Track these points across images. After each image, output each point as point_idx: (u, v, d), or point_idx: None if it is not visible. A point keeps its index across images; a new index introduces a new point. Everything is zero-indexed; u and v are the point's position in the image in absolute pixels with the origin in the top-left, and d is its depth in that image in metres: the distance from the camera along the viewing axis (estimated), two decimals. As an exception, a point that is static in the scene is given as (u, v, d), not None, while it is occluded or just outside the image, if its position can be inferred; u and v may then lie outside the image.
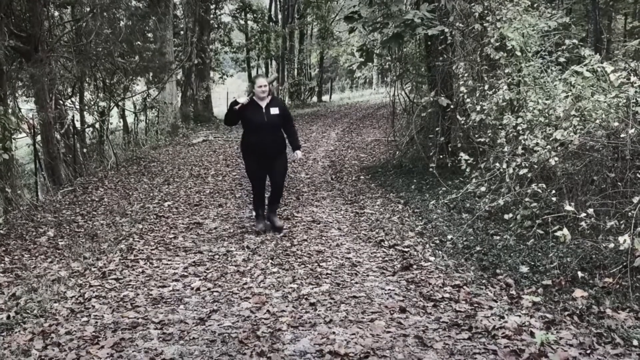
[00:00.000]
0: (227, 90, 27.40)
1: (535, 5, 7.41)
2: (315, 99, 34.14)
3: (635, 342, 3.80)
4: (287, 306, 4.64)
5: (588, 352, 3.71)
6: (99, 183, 10.73)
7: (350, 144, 16.08)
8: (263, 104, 6.91)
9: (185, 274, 5.58)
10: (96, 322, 4.38)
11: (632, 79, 4.99)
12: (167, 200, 9.24)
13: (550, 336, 3.87)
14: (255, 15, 29.21)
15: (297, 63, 33.03)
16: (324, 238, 6.86)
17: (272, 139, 6.93)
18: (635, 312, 4.27)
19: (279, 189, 7.28)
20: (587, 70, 5.63)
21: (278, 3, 32.43)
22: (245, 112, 6.89)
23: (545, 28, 6.74)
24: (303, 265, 5.76)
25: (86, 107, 12.62)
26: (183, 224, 7.67)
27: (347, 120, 22.16)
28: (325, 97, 36.08)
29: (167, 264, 5.91)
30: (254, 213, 7.63)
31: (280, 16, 32.44)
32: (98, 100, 13.44)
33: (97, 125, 13.31)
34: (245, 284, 5.23)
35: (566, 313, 4.32)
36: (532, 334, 3.93)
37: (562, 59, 6.47)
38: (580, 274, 4.80)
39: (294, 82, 32.21)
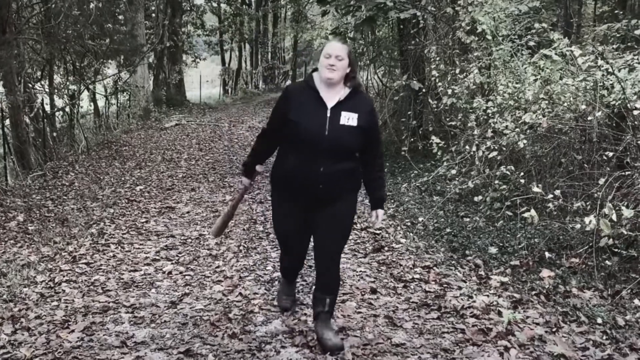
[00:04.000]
0: (200, 73, 27.15)
1: None
2: (289, 82, 33.99)
3: (599, 320, 3.90)
4: (259, 289, 4.66)
5: (554, 330, 3.80)
6: (69, 167, 10.59)
7: None
8: (330, 99, 3.49)
9: (157, 258, 5.55)
10: (66, 307, 4.34)
11: (599, 62, 5.06)
12: (139, 184, 9.16)
13: (517, 315, 3.95)
14: None
15: (270, 47, 32.87)
16: None
17: (334, 169, 3.48)
18: (600, 291, 4.37)
19: (333, 266, 3.73)
20: (555, 54, 5.70)
21: None
22: (290, 110, 3.48)
23: (516, 12, 6.79)
24: (276, 249, 5.73)
25: (56, 91, 12.40)
26: (155, 208, 7.61)
27: None
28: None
29: (138, 248, 5.87)
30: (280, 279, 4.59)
31: (253, -1, 32.18)
32: (68, 83, 13.20)
33: (67, 109, 13.10)
34: (218, 267, 5.23)
35: (533, 293, 4.41)
36: (499, 313, 4.01)
37: (532, 43, 6.54)
38: (547, 254, 4.89)
39: (268, 65, 32.05)
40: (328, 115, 3.43)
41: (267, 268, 5.20)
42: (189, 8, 24.90)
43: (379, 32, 11.82)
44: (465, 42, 7.39)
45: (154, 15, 21.70)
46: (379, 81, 11.88)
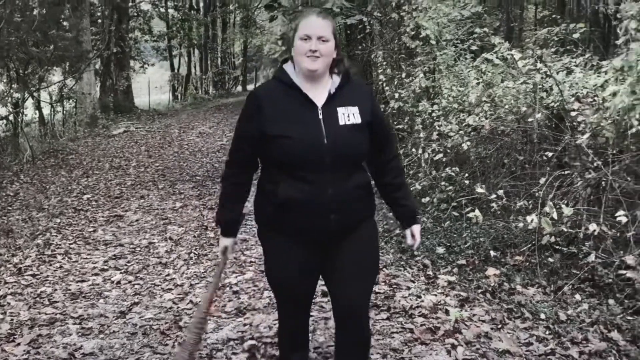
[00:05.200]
0: (149, 79, 26.77)
1: None
2: (240, 88, 33.89)
3: (542, 316, 4.02)
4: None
5: (499, 326, 3.89)
6: (14, 177, 10.31)
7: None
8: (317, 94, 2.63)
9: (106, 267, 5.45)
10: (12, 320, 4.24)
11: (539, 65, 5.22)
12: (86, 193, 8.98)
13: (464, 313, 4.04)
14: (176, 3, 28.60)
15: (220, 52, 32.67)
16: (248, 226, 6.72)
17: (345, 188, 2.61)
18: (543, 287, 4.50)
19: (361, 321, 2.77)
20: (497, 58, 5.85)
21: None
22: (266, 122, 2.57)
23: (459, 17, 6.94)
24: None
25: (-2, 99, 12.07)
26: (103, 217, 7.48)
27: None
28: (250, 86, 35.78)
29: (86, 258, 5.76)
30: None
31: (202, 4, 31.94)
32: (11, 91, 12.86)
33: (10, 118, 12.75)
34: (168, 275, 5.18)
35: (479, 291, 4.51)
36: (447, 312, 4.08)
37: (474, 47, 6.70)
38: (492, 253, 5.00)
39: (218, 71, 31.83)
40: (320, 116, 2.54)
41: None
42: (135, 14, 24.54)
43: None
44: (411, 47, 7.52)
45: (99, 21, 21.30)
46: None
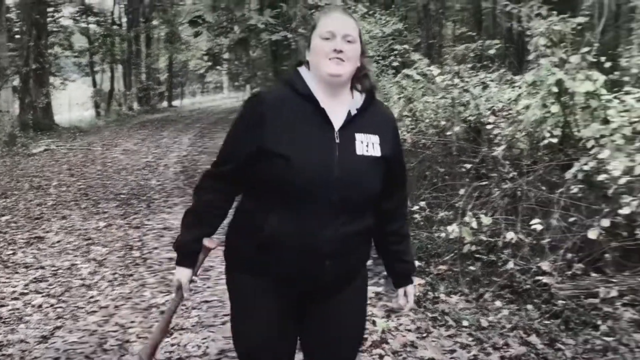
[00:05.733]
0: (70, 96, 26.02)
1: (371, 12, 7.79)
2: (165, 104, 33.37)
3: (465, 323, 4.15)
4: (136, 317, 4.53)
5: (424, 335, 4.00)
6: None
7: (203, 149, 15.74)
8: (336, 112, 2.11)
9: (26, 291, 5.25)
10: None
11: (456, 81, 5.43)
12: (4, 214, 8.63)
13: (390, 323, 4.13)
14: (98, 18, 27.97)
15: (144, 67, 32.13)
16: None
17: (346, 232, 2.11)
18: (466, 295, 4.65)
19: None
20: (417, 74, 6.04)
21: (122, 6, 31.35)
22: (269, 134, 2.05)
23: (380, 34, 7.13)
24: (154, 274, 5.61)
25: None
26: (23, 238, 7.20)
27: (199, 125, 21.62)
28: (176, 102, 35.26)
29: (5, 282, 5.53)
30: None
31: (125, 19, 31.37)
32: None
33: None
34: (92, 297, 5.03)
35: (405, 301, 4.62)
36: (374, 323, 4.15)
37: (395, 63, 6.89)
38: (417, 263, 5.13)
39: (142, 87, 31.27)
40: (337, 141, 2.06)
41: (144, 294, 5.05)
42: (55, 29, 23.85)
43: (254, 53, 11.94)
44: None
45: (17, 36, 20.59)
46: None
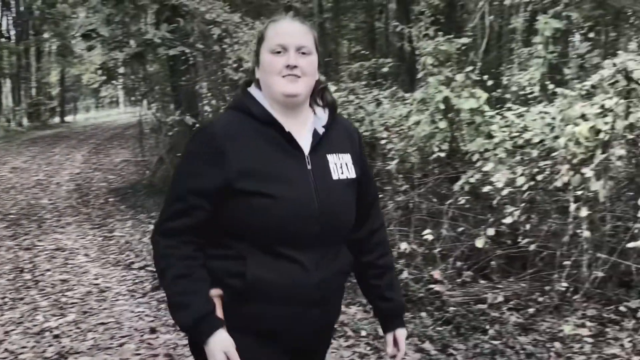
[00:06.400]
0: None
1: None
2: (57, 119, 32.15)
3: (363, 333, 4.28)
4: (28, 342, 4.37)
5: (324, 346, 4.08)
6: None
7: (98, 166, 15.43)
8: (301, 135, 1.84)
9: None
10: None
11: (351, 97, 5.61)
12: None
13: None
14: None
15: (35, 82, 30.83)
16: (69, 266, 6.53)
17: (333, 270, 1.86)
18: (364, 305, 4.79)
19: None
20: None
21: (10, 18, 30.03)
22: (235, 170, 1.73)
23: None
24: (46, 297, 5.43)
25: None
26: None
27: (93, 141, 21.18)
28: (69, 118, 34.05)
29: None
30: None
31: (13, 32, 30.02)
32: None
33: None
34: (-23, 324, 4.80)
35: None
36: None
37: None
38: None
39: (32, 102, 29.99)
40: (309, 167, 1.81)
41: (36, 318, 4.87)
42: None
43: (151, 67, 11.79)
44: (234, 79, 7.71)
45: None
46: (153, 116, 11.82)
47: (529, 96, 5.34)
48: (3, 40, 28.34)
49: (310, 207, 1.76)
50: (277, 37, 1.79)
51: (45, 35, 29.69)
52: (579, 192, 3.98)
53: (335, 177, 1.83)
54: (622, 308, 4.02)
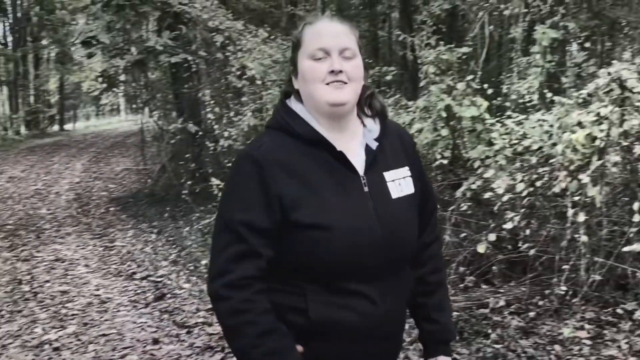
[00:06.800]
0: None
1: (272, 37, 8.16)
2: (56, 127, 32.38)
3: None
4: (26, 355, 4.52)
5: None
6: None
7: (98, 175, 15.63)
8: (351, 151, 1.70)
9: None
10: None
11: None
12: None
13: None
14: None
15: (33, 89, 31.11)
16: (69, 277, 6.68)
17: (400, 299, 1.77)
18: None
19: None
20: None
21: (7, 24, 30.33)
22: (287, 201, 1.61)
23: (282, 59, 7.50)
24: (45, 309, 5.57)
25: None
26: None
27: (93, 150, 21.38)
28: (68, 126, 34.18)
29: None
30: None
31: (10, 38, 30.34)
32: None
33: None
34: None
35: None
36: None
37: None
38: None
39: (31, 109, 30.26)
40: (365, 189, 1.67)
41: (35, 331, 5.01)
42: None
43: (153, 75, 12.03)
44: (237, 87, 7.94)
45: None
46: (155, 124, 12.04)
47: (528, 104, 5.55)
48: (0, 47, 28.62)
49: (372, 235, 1.63)
50: (317, 40, 1.66)
51: (44, 42, 29.97)
52: (577, 198, 4.17)
53: (395, 195, 1.70)
54: (619, 310, 4.19)
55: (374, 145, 1.72)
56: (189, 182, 9.28)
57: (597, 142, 4.00)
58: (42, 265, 7.22)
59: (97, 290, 6.12)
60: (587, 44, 6.77)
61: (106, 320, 5.20)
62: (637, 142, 4.03)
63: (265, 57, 7.54)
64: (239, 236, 1.60)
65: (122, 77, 12.42)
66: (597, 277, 4.15)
